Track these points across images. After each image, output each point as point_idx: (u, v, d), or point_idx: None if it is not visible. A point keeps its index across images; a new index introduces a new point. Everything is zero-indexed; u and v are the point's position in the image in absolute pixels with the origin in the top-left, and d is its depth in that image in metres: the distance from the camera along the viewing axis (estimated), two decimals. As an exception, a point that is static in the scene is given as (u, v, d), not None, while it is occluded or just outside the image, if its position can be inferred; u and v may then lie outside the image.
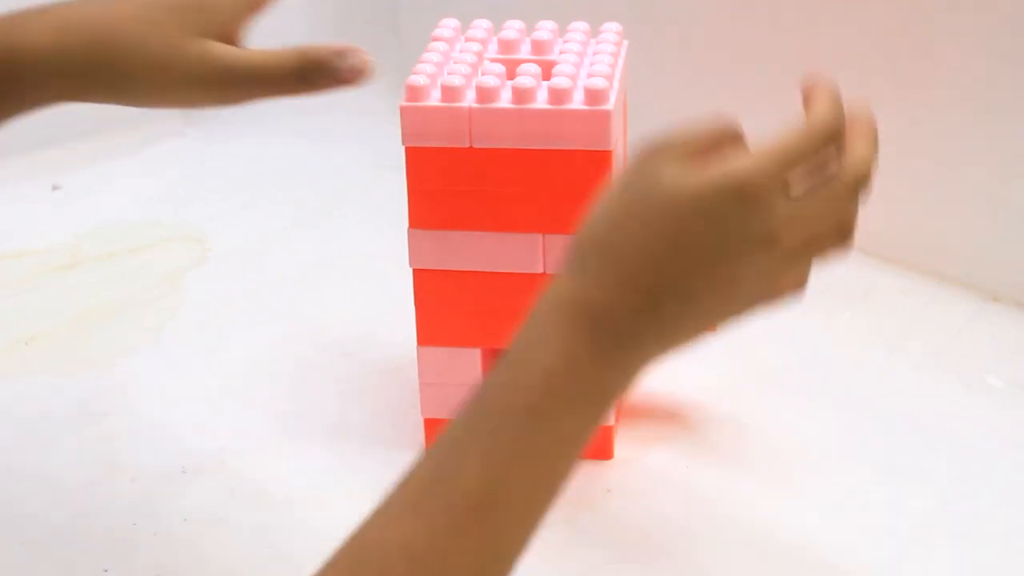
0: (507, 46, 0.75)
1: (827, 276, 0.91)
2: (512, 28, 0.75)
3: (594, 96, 0.68)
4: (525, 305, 0.72)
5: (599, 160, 0.69)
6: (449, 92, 0.69)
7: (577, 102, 0.68)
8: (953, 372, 0.82)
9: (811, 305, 0.88)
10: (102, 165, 1.12)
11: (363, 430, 0.78)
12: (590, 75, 0.69)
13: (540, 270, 0.71)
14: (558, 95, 0.68)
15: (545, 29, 0.75)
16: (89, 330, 0.89)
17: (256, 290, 0.93)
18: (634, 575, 0.68)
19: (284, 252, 0.98)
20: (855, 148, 0.51)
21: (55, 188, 1.09)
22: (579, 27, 0.76)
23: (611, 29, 0.76)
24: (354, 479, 0.74)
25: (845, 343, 0.85)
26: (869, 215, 0.93)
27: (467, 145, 0.69)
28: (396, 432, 0.78)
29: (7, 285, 0.95)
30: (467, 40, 0.74)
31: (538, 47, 0.75)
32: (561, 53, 0.73)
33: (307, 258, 0.97)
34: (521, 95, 0.68)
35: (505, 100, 0.69)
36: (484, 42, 0.74)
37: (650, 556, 0.69)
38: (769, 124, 0.51)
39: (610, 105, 0.68)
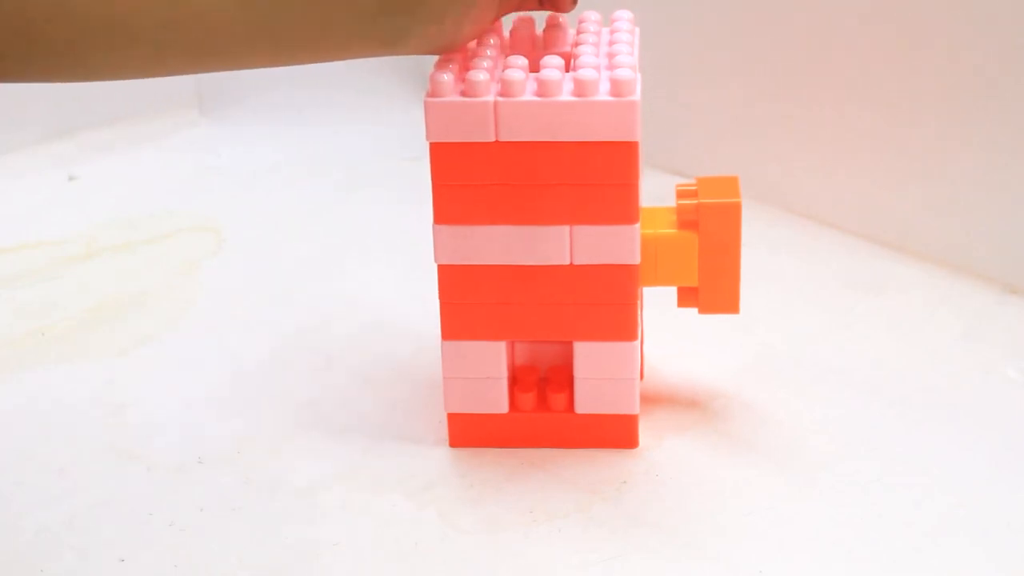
0: (521, 39, 0.75)
1: (844, 268, 0.92)
2: (524, 21, 0.75)
3: (620, 87, 0.68)
4: (552, 297, 0.72)
5: (625, 151, 0.69)
6: (473, 86, 0.69)
7: (603, 93, 0.68)
8: (970, 364, 0.82)
9: (829, 297, 0.89)
10: (117, 156, 1.12)
11: (379, 421, 0.78)
12: (614, 66, 0.69)
13: (567, 262, 0.71)
14: (584, 87, 0.68)
15: (557, 21, 0.75)
16: (105, 320, 0.89)
17: (272, 280, 0.93)
18: (651, 566, 0.68)
19: (300, 242, 0.98)
20: None
21: (71, 179, 1.09)
22: (591, 17, 0.76)
23: (624, 17, 0.76)
24: (370, 470, 0.74)
25: (862, 335, 0.85)
26: (886, 208, 0.94)
27: (492, 139, 0.69)
28: (412, 423, 0.78)
29: (23, 275, 0.95)
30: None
31: (552, 39, 0.75)
32: (577, 45, 0.73)
33: (323, 248, 0.97)
34: (547, 88, 0.68)
35: (530, 93, 0.69)
36: (499, 36, 0.74)
37: (667, 547, 0.69)
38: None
39: (636, 96, 0.68)
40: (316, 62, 0.65)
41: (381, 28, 0.64)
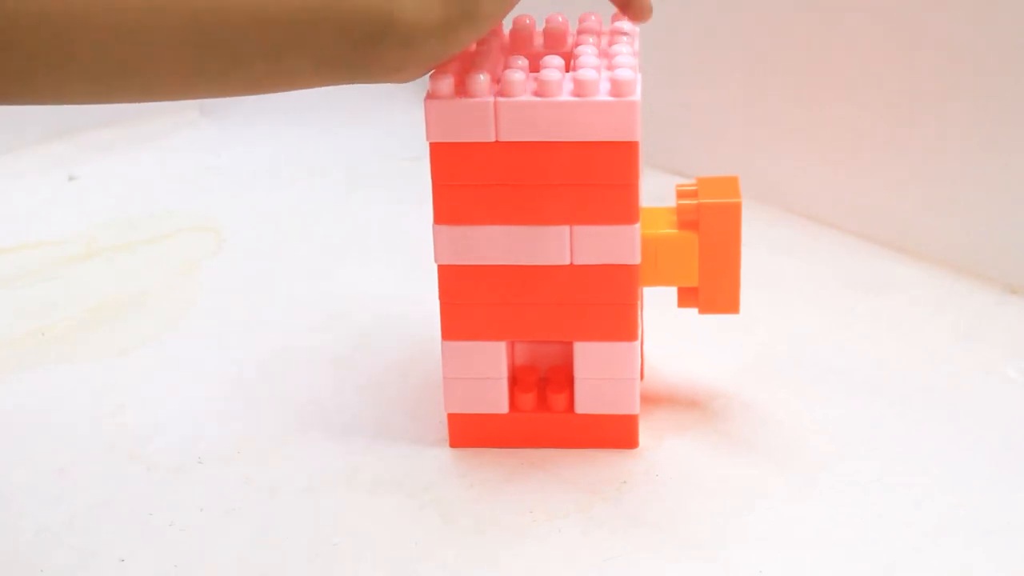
0: (521, 40, 0.75)
1: (844, 268, 0.92)
2: (524, 21, 0.75)
3: (620, 87, 0.68)
4: (552, 297, 0.72)
5: (625, 151, 0.69)
6: (473, 86, 0.69)
7: (603, 93, 0.68)
8: (971, 365, 0.82)
9: (829, 297, 0.89)
10: (118, 156, 1.12)
11: (379, 422, 0.78)
12: (614, 66, 0.69)
13: (567, 262, 0.71)
14: (584, 87, 0.68)
15: (557, 21, 0.75)
16: (105, 321, 0.89)
17: (272, 281, 0.93)
18: (651, 566, 0.68)
19: (299, 243, 0.98)
20: None
21: (71, 179, 1.09)
22: (591, 17, 0.76)
23: (624, 17, 0.76)
24: (370, 470, 0.74)
25: (862, 335, 0.85)
26: (886, 208, 0.94)
27: (492, 139, 0.69)
28: (412, 424, 0.78)
29: (23, 275, 0.95)
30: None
31: (552, 39, 0.75)
32: (577, 45, 0.73)
33: (322, 249, 0.97)
34: (547, 88, 0.68)
35: (530, 93, 0.69)
36: (499, 36, 0.74)
37: (666, 547, 0.69)
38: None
39: (636, 96, 0.68)
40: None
41: (344, 77, 0.64)
